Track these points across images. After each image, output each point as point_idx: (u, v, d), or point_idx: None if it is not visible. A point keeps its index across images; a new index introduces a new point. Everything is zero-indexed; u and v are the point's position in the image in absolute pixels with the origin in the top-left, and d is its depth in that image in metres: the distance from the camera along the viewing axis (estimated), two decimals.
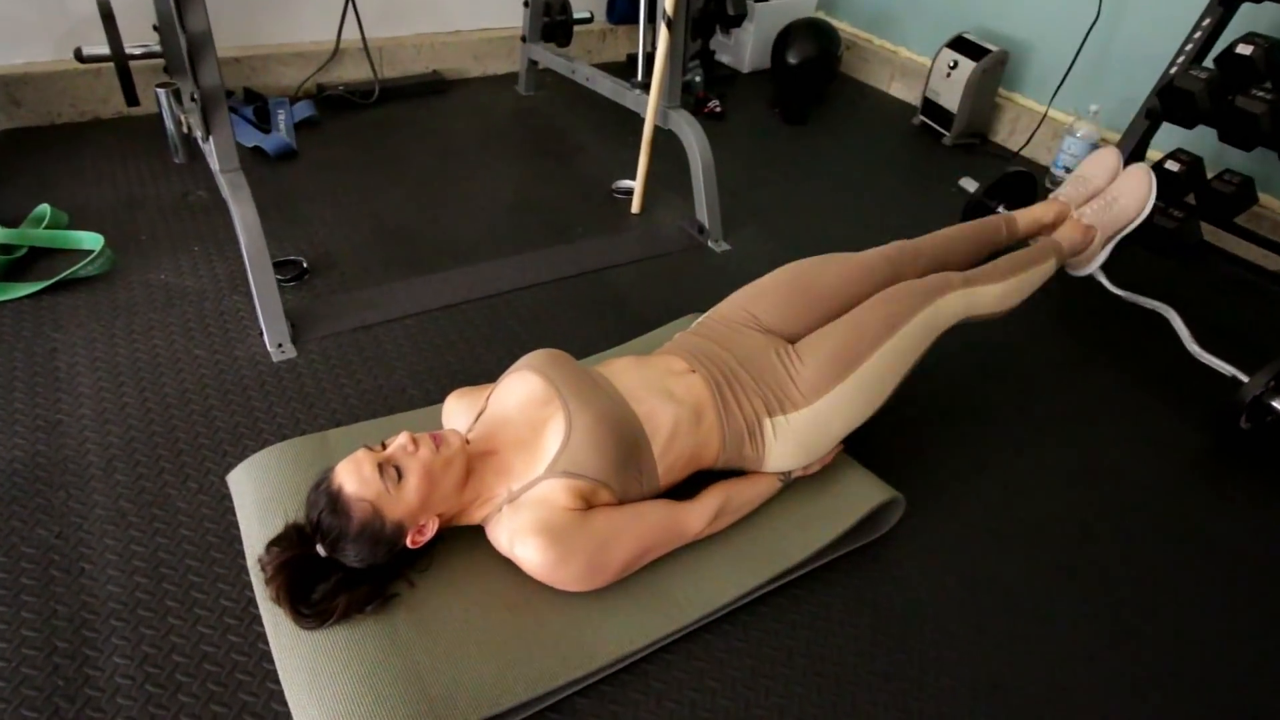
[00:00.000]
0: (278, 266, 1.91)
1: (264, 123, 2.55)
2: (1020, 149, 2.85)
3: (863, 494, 1.40)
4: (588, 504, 1.21)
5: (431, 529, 1.18)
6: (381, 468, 1.13)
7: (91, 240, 1.94)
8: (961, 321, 1.51)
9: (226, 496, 1.36)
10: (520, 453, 1.24)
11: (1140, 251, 2.16)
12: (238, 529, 1.30)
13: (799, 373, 1.37)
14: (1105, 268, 2.07)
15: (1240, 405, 1.61)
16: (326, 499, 1.12)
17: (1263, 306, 2.14)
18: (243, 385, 1.61)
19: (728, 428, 1.33)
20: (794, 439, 1.35)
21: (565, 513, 1.18)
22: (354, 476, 1.13)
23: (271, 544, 1.18)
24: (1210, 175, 2.11)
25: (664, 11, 2.09)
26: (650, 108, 2.19)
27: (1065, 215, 1.82)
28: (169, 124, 2.26)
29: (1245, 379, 1.68)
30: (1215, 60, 2.04)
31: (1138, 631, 1.32)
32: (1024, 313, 2.00)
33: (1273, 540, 1.50)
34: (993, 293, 1.55)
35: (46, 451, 1.43)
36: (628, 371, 1.36)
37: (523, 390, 1.31)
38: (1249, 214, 2.19)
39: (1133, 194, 1.81)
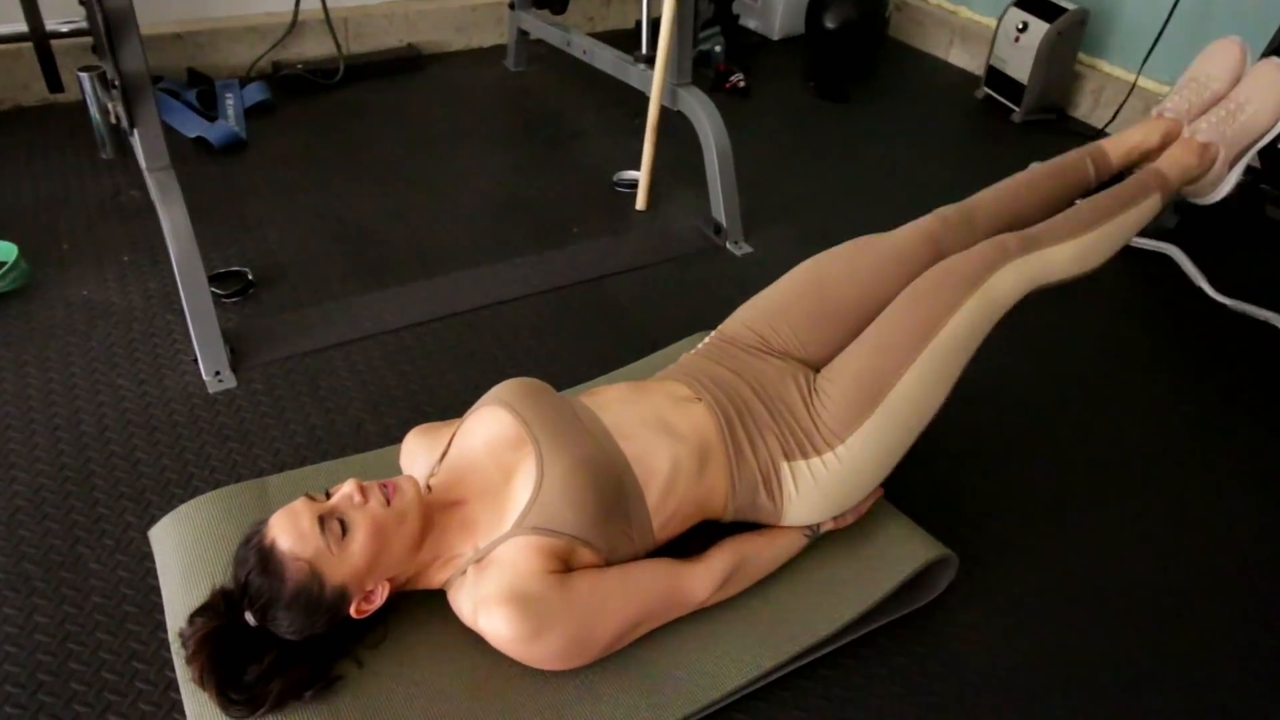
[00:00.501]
0: (220, 279, 1.92)
1: (210, 109, 2.57)
2: (1105, 125, 2.80)
3: (906, 551, 1.36)
4: (566, 565, 1.19)
5: (381, 596, 1.16)
6: (323, 521, 1.12)
7: (4, 251, 1.95)
8: (1030, 294, 1.41)
9: (146, 557, 1.35)
10: (488, 504, 1.22)
11: (1244, 247, 2.11)
12: (159, 596, 1.29)
13: (823, 407, 1.33)
14: (1206, 271, 2.02)
15: None
16: (257, 556, 1.10)
17: None
18: (172, 421, 1.61)
19: (738, 472, 1.30)
20: (819, 491, 1.31)
21: (540, 577, 1.15)
22: (290, 531, 1.11)
23: (195, 614, 1.16)
24: None
25: None
26: (655, 86, 2.17)
27: (1175, 134, 1.64)
28: (94, 113, 2.28)
29: None
30: None
31: None
32: (1103, 322, 1.97)
33: None
34: (1065, 254, 1.42)
35: None
36: (619, 403, 1.34)
37: (491, 429, 1.29)
38: None
39: (1266, 96, 1.61)
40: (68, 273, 1.95)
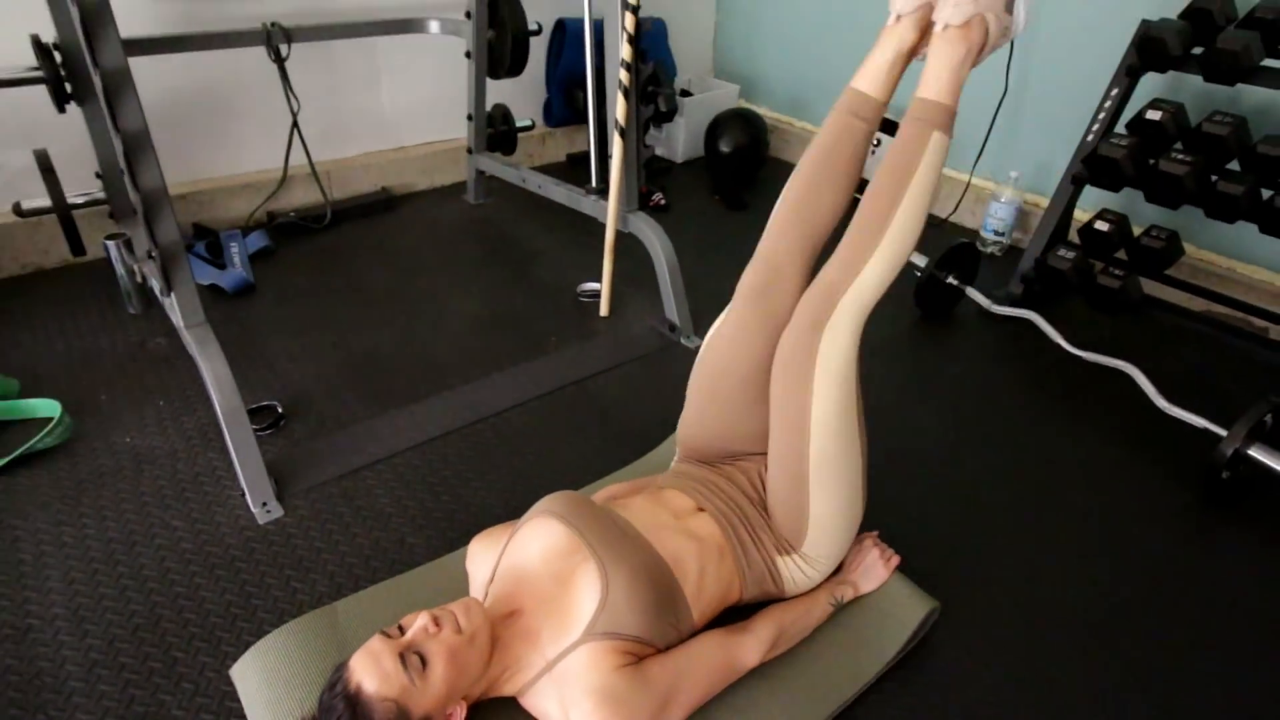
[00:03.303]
0: (252, 415, 1.73)
1: (217, 258, 2.37)
2: (949, 215, 2.86)
3: (904, 608, 1.29)
4: (635, 657, 1.08)
5: (459, 716, 1.03)
6: (404, 658, 0.98)
7: (47, 408, 1.73)
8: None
9: (228, 695, 1.17)
10: (549, 614, 1.10)
11: (1089, 311, 2.16)
12: None
13: (773, 522, 1.26)
14: (1060, 329, 2.05)
15: (1222, 460, 1.58)
16: (345, 703, 0.95)
17: (1209, 350, 2.14)
18: (230, 556, 1.42)
19: (747, 568, 1.22)
20: (814, 569, 1.26)
21: (619, 672, 1.04)
22: (375, 673, 0.96)
23: None
24: (1134, 232, 2.13)
25: (616, 122, 2.02)
26: (611, 214, 2.11)
27: (926, 19, 1.17)
28: (121, 274, 2.07)
29: (1217, 430, 1.65)
30: (1128, 126, 2.07)
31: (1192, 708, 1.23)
32: (991, 384, 1.97)
33: (1270, 581, 1.45)
34: (876, 272, 1.13)
35: (18, 666, 1.22)
36: (644, 510, 1.24)
37: (545, 540, 1.16)
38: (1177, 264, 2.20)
39: None
40: (109, 421, 1.74)
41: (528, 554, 1.16)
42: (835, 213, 1.25)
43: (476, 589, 1.23)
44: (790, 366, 1.14)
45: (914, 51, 1.21)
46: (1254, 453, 1.58)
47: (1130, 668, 1.29)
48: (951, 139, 1.14)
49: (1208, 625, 1.38)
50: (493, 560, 1.21)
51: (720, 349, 1.27)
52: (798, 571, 1.24)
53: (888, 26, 1.20)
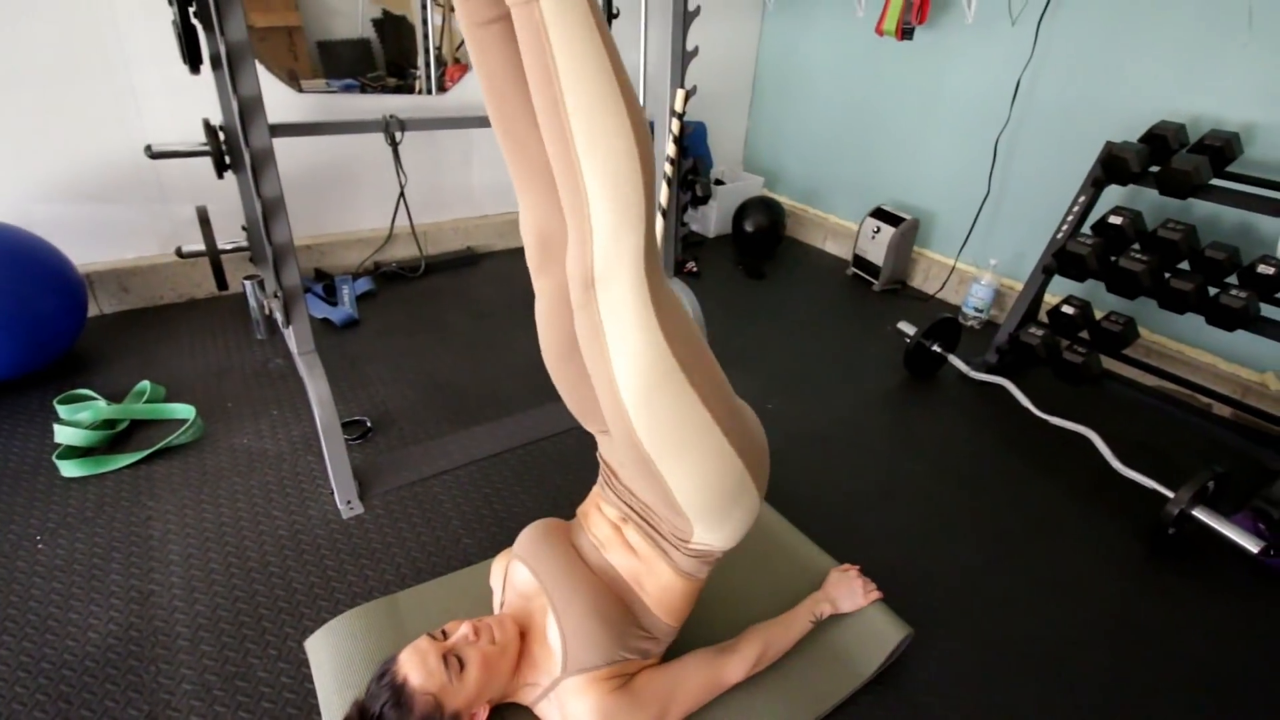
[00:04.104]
0: (345, 427, 1.76)
1: (331, 297, 2.44)
2: (936, 292, 2.81)
3: (881, 633, 1.22)
4: (622, 675, 1.02)
5: (482, 716, 0.99)
6: (445, 658, 0.95)
7: (184, 411, 1.77)
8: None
9: (304, 663, 1.17)
10: (539, 642, 1.05)
11: (1054, 381, 2.08)
12: (315, 698, 1.11)
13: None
14: (1029, 395, 1.98)
15: (1169, 519, 1.49)
16: (390, 692, 0.93)
17: (1159, 421, 2.05)
18: (316, 545, 1.43)
19: (680, 564, 1.03)
20: (722, 537, 0.98)
21: (609, 694, 0.99)
22: (420, 669, 0.94)
23: None
24: (1096, 316, 2.06)
25: (660, 204, 2.04)
26: None
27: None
28: (253, 307, 2.13)
29: (1165, 491, 1.57)
30: (1093, 227, 2.02)
31: None
32: (967, 439, 1.90)
33: (1209, 629, 1.36)
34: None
35: (139, 624, 1.23)
36: (599, 525, 1.11)
37: (519, 582, 1.11)
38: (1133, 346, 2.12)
39: None
40: (231, 426, 1.77)
41: (514, 590, 1.12)
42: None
43: (495, 605, 1.19)
44: (585, 338, 0.84)
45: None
46: (1197, 513, 1.50)
47: (1080, 698, 1.22)
48: None
49: (1151, 662, 1.29)
50: (501, 584, 1.16)
51: (542, 331, 0.99)
52: (712, 549, 1.00)
53: None
